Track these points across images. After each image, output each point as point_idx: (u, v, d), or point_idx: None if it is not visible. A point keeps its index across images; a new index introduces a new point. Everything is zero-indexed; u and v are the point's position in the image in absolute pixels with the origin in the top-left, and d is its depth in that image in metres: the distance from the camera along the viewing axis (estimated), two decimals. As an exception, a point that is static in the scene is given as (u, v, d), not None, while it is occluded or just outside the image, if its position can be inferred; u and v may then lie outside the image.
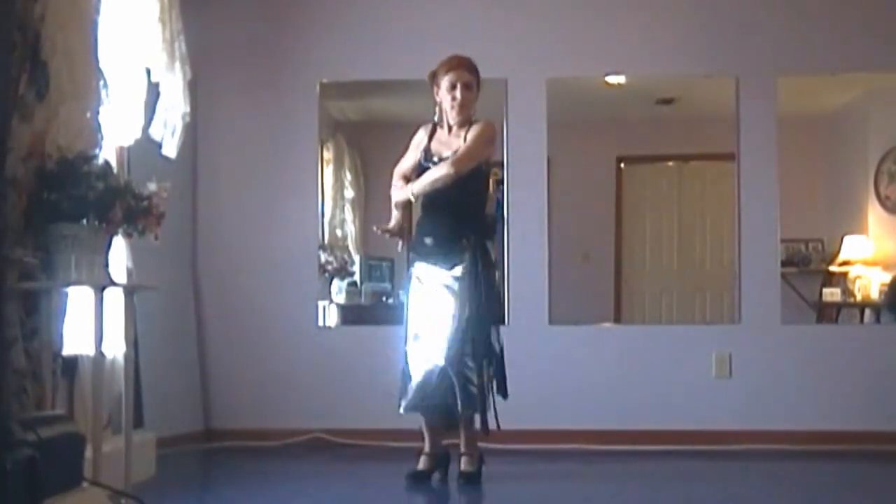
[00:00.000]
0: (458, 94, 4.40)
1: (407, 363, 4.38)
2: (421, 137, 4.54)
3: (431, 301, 4.37)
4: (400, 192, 4.49)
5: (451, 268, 4.35)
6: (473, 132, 4.40)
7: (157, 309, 4.93)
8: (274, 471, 4.88)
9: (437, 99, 4.49)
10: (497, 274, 4.68)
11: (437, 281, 4.37)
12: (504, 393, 4.40)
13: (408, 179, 4.49)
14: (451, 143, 4.43)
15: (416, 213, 4.54)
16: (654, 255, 6.20)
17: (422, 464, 4.47)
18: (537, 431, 5.49)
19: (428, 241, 4.40)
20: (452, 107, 4.41)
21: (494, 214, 4.60)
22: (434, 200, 4.42)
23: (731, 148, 5.72)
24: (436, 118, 4.53)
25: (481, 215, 4.53)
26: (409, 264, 4.49)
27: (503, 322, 4.55)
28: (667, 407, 5.56)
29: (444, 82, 4.42)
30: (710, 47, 5.73)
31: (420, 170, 4.44)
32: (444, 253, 4.37)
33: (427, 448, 4.50)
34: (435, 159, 4.41)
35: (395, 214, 4.52)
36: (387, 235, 4.51)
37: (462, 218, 4.40)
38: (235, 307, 5.78)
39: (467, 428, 4.41)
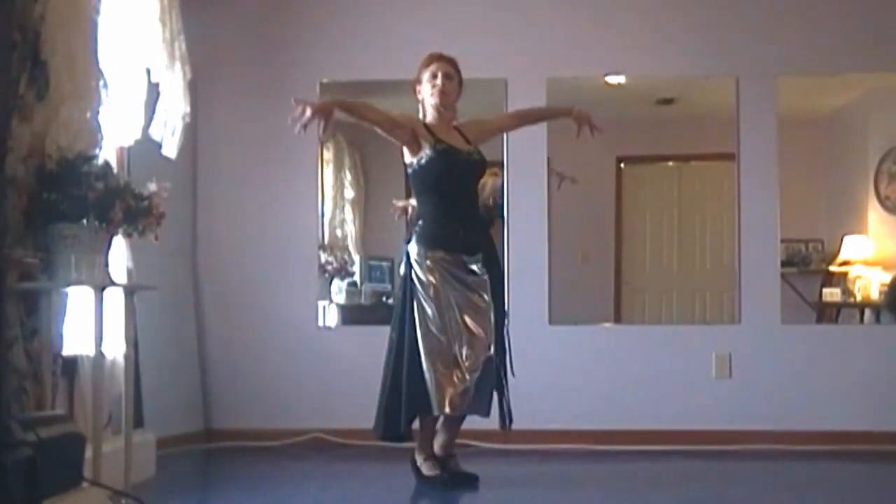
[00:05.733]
0: (439, 81, 4.38)
1: (422, 365, 4.19)
2: (416, 121, 4.39)
3: (468, 299, 4.24)
4: None
5: (475, 262, 4.28)
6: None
7: (157, 309, 4.93)
8: (274, 471, 4.88)
9: (419, 96, 4.47)
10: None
11: (463, 275, 4.26)
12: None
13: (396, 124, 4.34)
14: (451, 138, 4.39)
15: (429, 202, 4.37)
16: (654, 255, 6.19)
17: (436, 468, 4.34)
18: (537, 431, 5.49)
19: (460, 232, 4.29)
20: (433, 94, 4.39)
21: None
22: (458, 190, 4.34)
23: (731, 148, 5.72)
24: (419, 116, 4.47)
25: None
26: (421, 256, 4.25)
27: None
28: (667, 407, 5.56)
29: (426, 73, 4.41)
30: (710, 47, 5.74)
31: (435, 153, 4.29)
32: (470, 245, 4.31)
33: (434, 451, 4.38)
34: (446, 147, 4.33)
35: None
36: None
37: (479, 211, 4.48)
38: (235, 307, 5.78)
39: (458, 427, 4.41)
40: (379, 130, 4.32)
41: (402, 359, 4.26)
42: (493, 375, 4.23)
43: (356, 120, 4.34)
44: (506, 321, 4.38)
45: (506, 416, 4.34)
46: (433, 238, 4.28)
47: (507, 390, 4.32)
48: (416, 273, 4.26)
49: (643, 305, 6.19)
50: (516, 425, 5.36)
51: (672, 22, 5.75)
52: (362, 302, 6.07)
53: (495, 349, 4.24)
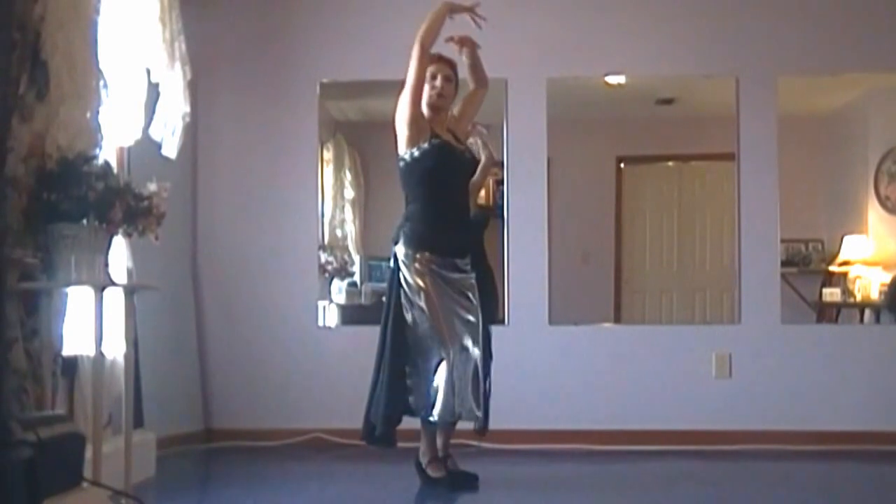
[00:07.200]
0: (438, 83, 4.37)
1: (427, 367, 4.19)
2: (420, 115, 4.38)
3: (457, 302, 4.24)
4: None
5: (464, 264, 4.29)
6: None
7: (157, 309, 4.93)
8: (274, 471, 4.88)
9: None
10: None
11: (452, 277, 4.25)
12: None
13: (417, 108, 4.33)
14: (446, 136, 4.39)
15: (419, 200, 4.32)
16: (654, 255, 6.19)
17: (441, 469, 4.33)
18: (537, 431, 5.49)
19: (449, 233, 4.27)
20: (430, 96, 4.37)
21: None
22: (449, 188, 4.32)
23: (731, 148, 5.72)
24: None
25: None
26: (409, 257, 4.22)
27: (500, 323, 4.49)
28: (667, 407, 5.56)
29: (426, 74, 4.40)
30: (710, 47, 5.74)
31: (430, 147, 4.27)
32: (459, 247, 4.31)
33: (436, 453, 4.36)
34: (438, 140, 4.32)
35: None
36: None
37: (469, 212, 4.46)
38: (235, 307, 5.78)
39: (454, 427, 4.39)
40: (414, 69, 4.27)
41: (383, 362, 4.23)
42: (477, 379, 4.19)
43: (429, 34, 4.32)
44: (491, 328, 4.35)
45: (484, 419, 4.27)
46: (421, 239, 4.24)
47: (489, 394, 4.27)
48: (403, 275, 4.24)
49: (643, 305, 6.20)
50: (517, 425, 5.41)
51: (672, 22, 5.75)
52: (362, 302, 6.07)
53: (481, 353, 4.22)
